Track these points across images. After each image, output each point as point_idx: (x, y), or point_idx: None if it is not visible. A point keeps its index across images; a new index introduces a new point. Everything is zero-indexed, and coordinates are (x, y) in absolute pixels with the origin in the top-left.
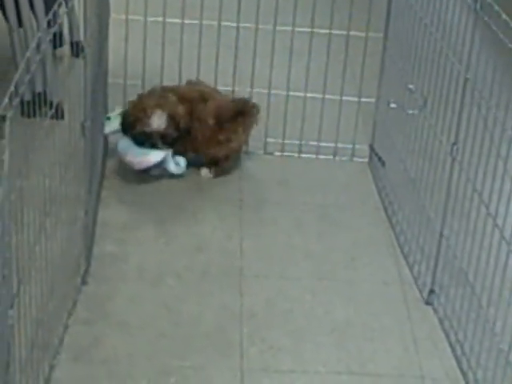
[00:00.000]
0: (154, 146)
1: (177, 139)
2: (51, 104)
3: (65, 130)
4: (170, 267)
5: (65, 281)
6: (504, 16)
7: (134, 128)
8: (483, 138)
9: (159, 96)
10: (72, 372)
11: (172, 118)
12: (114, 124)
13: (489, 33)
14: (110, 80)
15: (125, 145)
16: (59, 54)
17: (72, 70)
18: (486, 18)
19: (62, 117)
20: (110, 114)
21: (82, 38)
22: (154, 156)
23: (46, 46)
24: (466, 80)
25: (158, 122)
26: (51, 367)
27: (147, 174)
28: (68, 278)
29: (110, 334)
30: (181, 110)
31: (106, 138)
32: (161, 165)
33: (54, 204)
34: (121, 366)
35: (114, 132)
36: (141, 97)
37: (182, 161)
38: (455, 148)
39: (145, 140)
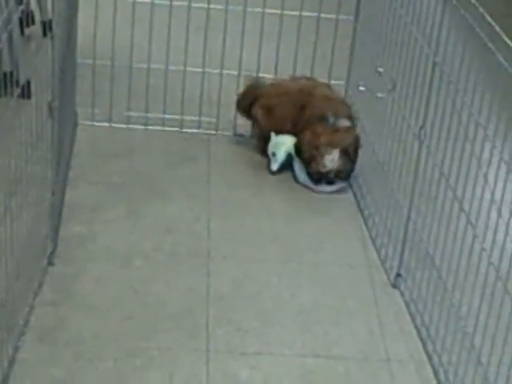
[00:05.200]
0: (330, 183)
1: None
2: (17, 83)
3: (32, 109)
4: (138, 248)
5: (31, 262)
6: (473, 0)
7: (309, 166)
8: (451, 122)
9: (332, 129)
10: (37, 353)
11: (345, 153)
12: (279, 159)
13: (458, 17)
14: (79, 60)
15: (303, 174)
16: (29, 34)
17: (40, 50)
18: (454, 2)
19: (29, 96)
20: (275, 150)
21: (51, 17)
22: (332, 187)
23: (14, 25)
24: (435, 64)
25: (332, 162)
26: (16, 348)
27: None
28: (34, 258)
29: (75, 315)
30: (350, 140)
31: (75, 118)
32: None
33: (20, 184)
34: (86, 347)
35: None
36: (314, 130)
37: None
38: (423, 131)
39: (321, 178)
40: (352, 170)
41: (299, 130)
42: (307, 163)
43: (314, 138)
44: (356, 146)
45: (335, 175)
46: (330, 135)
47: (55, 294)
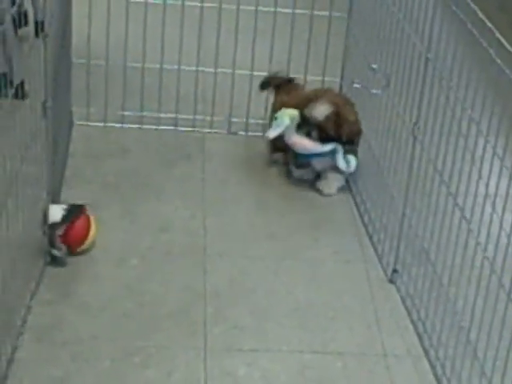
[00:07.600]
0: (308, 135)
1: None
2: (12, 83)
3: (27, 110)
4: (134, 247)
5: (28, 261)
6: None
7: (303, 111)
8: (444, 118)
9: (345, 99)
10: (35, 353)
11: (336, 115)
12: (280, 123)
13: (450, 13)
14: (73, 60)
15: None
16: (22, 34)
17: (34, 50)
18: None
19: (23, 97)
20: (278, 115)
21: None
22: (310, 144)
23: (8, 26)
24: (428, 60)
25: (319, 111)
26: (14, 348)
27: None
28: (31, 258)
29: (72, 314)
30: (352, 117)
31: (70, 117)
32: (324, 157)
33: (15, 184)
34: (84, 346)
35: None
36: (333, 94)
37: (353, 160)
38: (417, 127)
39: (303, 124)
40: (331, 140)
41: None
42: (302, 106)
43: (325, 94)
44: (352, 130)
45: (319, 130)
46: (339, 103)
47: (52, 293)
